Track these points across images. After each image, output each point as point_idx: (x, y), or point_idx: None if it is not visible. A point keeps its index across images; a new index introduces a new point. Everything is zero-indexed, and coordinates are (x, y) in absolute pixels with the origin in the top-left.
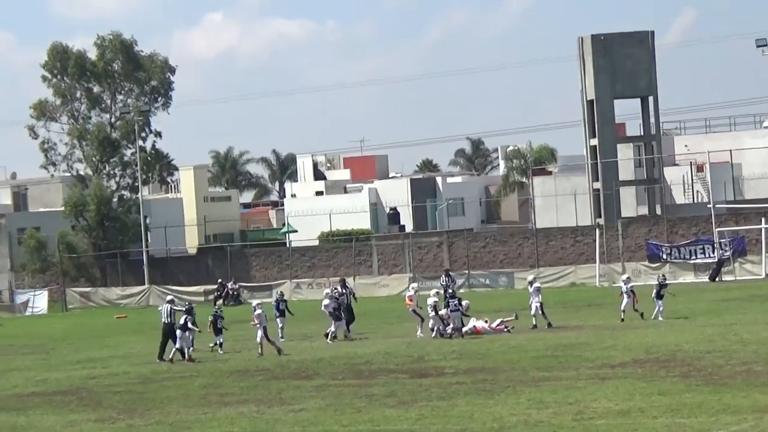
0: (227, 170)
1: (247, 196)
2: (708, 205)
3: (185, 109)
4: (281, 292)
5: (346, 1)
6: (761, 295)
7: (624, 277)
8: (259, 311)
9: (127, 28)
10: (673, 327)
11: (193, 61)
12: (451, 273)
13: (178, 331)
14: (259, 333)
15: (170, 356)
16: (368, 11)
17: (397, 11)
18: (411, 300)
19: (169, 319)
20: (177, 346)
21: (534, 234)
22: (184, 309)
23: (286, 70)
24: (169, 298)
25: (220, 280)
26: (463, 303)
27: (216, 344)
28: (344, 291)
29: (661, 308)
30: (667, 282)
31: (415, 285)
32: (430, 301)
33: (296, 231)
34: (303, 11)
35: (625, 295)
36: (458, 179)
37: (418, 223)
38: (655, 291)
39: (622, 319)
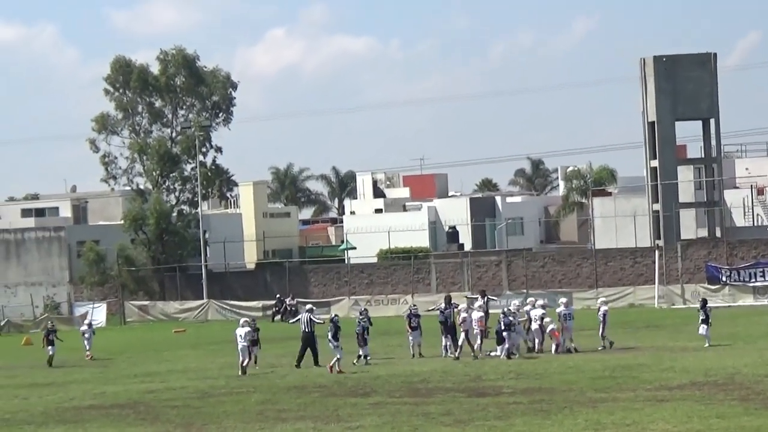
0: (287, 186)
1: (307, 213)
2: None
3: (246, 125)
4: (366, 309)
5: (411, 21)
6: None
7: (563, 300)
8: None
9: (190, 44)
10: (731, 350)
11: (255, 77)
12: (488, 295)
13: (330, 344)
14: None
15: (336, 367)
16: (432, 31)
17: (461, 31)
18: (481, 322)
19: (309, 328)
20: (338, 356)
21: (593, 254)
22: (327, 320)
23: (349, 87)
24: (308, 307)
25: (278, 296)
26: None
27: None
28: (449, 307)
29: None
30: (709, 306)
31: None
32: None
33: (355, 248)
34: (367, 29)
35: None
36: (518, 199)
37: (477, 242)
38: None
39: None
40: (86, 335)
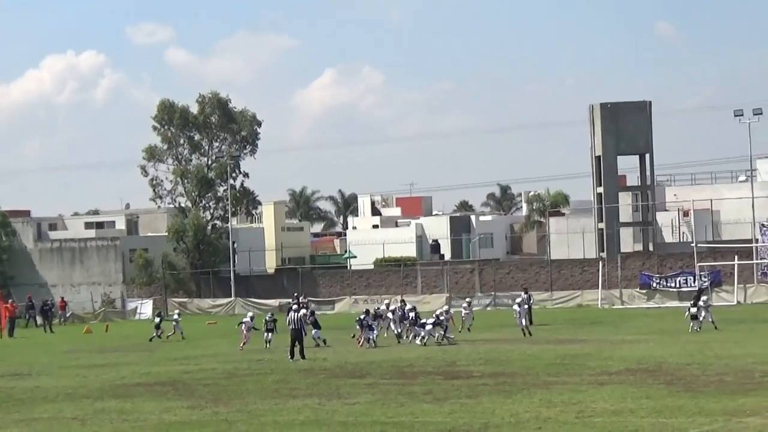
0: (301, 205)
1: (317, 227)
2: (691, 244)
3: (269, 154)
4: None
5: (396, 72)
6: (732, 318)
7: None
8: (246, 319)
9: (223, 87)
10: (659, 343)
11: (287, 112)
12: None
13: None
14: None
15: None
16: (424, 82)
17: (455, 81)
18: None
19: (296, 325)
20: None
21: (549, 264)
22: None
23: (353, 122)
24: (295, 307)
25: (295, 294)
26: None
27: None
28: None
29: (700, 323)
30: (700, 304)
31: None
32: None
33: (356, 257)
34: (370, 72)
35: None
36: (489, 218)
37: (455, 253)
38: (693, 310)
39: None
40: (177, 324)
